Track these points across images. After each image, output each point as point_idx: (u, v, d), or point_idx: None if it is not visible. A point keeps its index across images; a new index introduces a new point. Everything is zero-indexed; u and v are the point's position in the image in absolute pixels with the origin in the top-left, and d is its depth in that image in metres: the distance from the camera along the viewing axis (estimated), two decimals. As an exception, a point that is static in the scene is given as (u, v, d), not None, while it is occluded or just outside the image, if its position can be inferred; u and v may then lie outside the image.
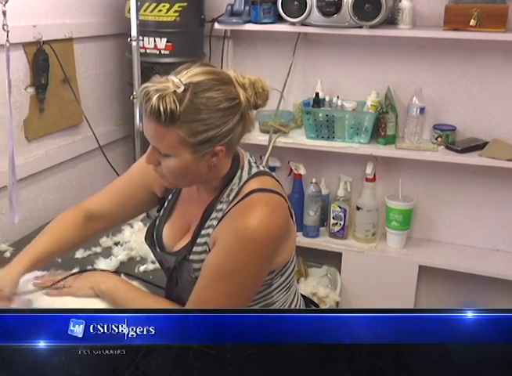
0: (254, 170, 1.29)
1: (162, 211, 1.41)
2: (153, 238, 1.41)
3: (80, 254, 1.81)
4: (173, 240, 1.37)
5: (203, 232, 1.28)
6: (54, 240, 1.46)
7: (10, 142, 1.55)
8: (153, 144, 1.19)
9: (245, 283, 1.23)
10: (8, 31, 1.57)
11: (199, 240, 1.28)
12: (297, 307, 1.45)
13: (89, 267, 1.68)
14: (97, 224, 1.48)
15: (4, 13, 1.55)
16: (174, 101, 1.12)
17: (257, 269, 1.24)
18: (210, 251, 1.25)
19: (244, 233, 1.19)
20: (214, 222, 1.26)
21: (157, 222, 1.41)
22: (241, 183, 1.26)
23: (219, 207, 1.27)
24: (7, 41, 1.57)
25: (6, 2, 1.57)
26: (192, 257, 1.29)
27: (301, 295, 1.57)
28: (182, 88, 1.13)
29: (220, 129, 1.17)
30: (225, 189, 1.27)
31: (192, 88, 1.14)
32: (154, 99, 1.11)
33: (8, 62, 1.56)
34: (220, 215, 1.26)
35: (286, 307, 1.39)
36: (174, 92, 1.12)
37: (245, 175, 1.27)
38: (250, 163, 1.31)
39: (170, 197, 1.41)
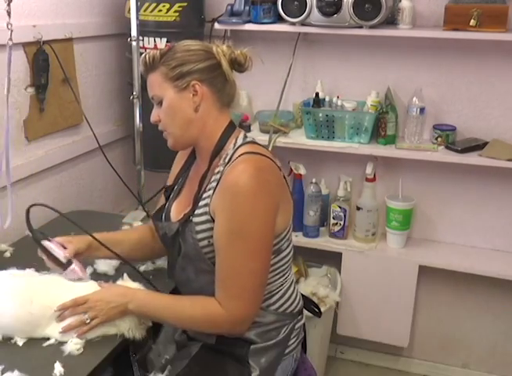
0: (248, 139, 1.43)
1: (172, 195, 1.54)
2: (160, 216, 1.52)
3: (80, 254, 1.81)
4: (178, 214, 1.46)
5: (204, 195, 1.38)
6: (121, 233, 1.68)
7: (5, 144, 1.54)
8: (150, 94, 1.42)
9: (257, 238, 1.31)
10: (11, 31, 1.57)
11: (200, 203, 1.38)
12: (294, 297, 1.50)
13: (89, 268, 1.68)
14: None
15: (8, 13, 1.55)
16: (157, 52, 1.40)
17: (263, 222, 1.31)
18: (210, 213, 1.35)
19: (237, 189, 1.29)
20: (214, 184, 1.37)
21: (167, 204, 1.53)
22: (235, 148, 1.39)
23: (216, 170, 1.39)
24: (10, 39, 1.57)
25: (10, 2, 1.56)
26: (195, 219, 1.38)
27: (302, 295, 1.59)
28: (167, 47, 1.41)
29: (193, 65, 1.37)
30: (219, 154, 1.40)
31: (176, 44, 1.42)
32: (143, 55, 1.42)
33: (9, 61, 1.56)
34: (218, 176, 1.36)
35: (281, 292, 1.45)
36: (160, 50, 1.41)
37: (239, 142, 1.40)
38: (245, 135, 1.44)
39: (179, 180, 1.55)
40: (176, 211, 1.48)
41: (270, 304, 1.43)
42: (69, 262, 1.48)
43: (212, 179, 1.39)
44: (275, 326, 1.44)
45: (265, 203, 1.31)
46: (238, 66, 1.43)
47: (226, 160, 1.38)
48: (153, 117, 1.43)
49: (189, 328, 1.47)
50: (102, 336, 1.40)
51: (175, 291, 1.55)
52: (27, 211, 1.47)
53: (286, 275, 1.46)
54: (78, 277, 1.47)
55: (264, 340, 1.42)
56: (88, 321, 1.36)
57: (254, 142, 1.43)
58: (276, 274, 1.42)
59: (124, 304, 1.37)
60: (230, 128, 1.43)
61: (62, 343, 1.37)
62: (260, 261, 1.32)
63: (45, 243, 1.49)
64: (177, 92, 1.38)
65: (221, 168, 1.37)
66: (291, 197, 1.45)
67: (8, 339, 1.38)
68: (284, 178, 1.42)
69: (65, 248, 1.48)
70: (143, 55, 1.42)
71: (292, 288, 1.49)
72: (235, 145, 1.40)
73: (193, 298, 1.41)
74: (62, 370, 1.28)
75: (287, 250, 1.44)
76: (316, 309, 1.70)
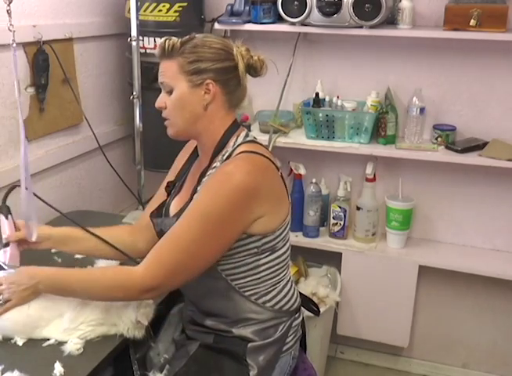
0: (249, 138, 1.43)
1: (173, 191, 1.55)
2: (161, 212, 1.52)
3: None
4: (176, 209, 1.46)
5: (198, 188, 1.40)
6: (99, 230, 1.58)
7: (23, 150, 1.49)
8: (160, 80, 1.41)
9: (216, 226, 1.30)
10: (14, 31, 1.57)
11: (195, 196, 1.38)
12: (291, 295, 1.50)
13: (89, 267, 1.68)
14: (144, 234, 1.58)
15: (9, 13, 1.54)
16: (177, 40, 1.39)
17: (230, 215, 1.30)
18: None
19: (222, 177, 1.31)
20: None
21: (168, 200, 1.54)
22: (235, 146, 1.40)
23: (213, 165, 1.40)
24: (13, 40, 1.57)
25: (10, 2, 1.56)
26: None
27: (301, 295, 1.59)
28: (188, 37, 1.40)
29: (211, 64, 1.37)
30: (220, 152, 1.41)
31: (197, 36, 1.41)
32: (163, 39, 1.39)
33: (15, 62, 1.55)
34: (214, 171, 1.38)
35: (277, 290, 1.45)
36: (181, 38, 1.40)
37: (240, 140, 1.41)
38: (247, 134, 1.44)
39: (182, 176, 1.55)
40: (175, 207, 1.49)
41: (266, 301, 1.43)
42: (6, 245, 1.50)
43: (208, 173, 1.40)
44: (272, 323, 1.44)
45: (243, 201, 1.31)
46: (253, 71, 1.43)
47: (224, 158, 1.39)
48: (159, 103, 1.42)
49: (101, 296, 1.40)
50: (102, 336, 1.41)
51: (176, 292, 1.55)
52: (9, 190, 1.55)
53: (282, 274, 1.46)
54: (2, 262, 1.48)
55: (261, 338, 1.42)
56: (1, 302, 1.37)
57: (254, 142, 1.43)
58: (271, 272, 1.42)
59: (34, 285, 1.37)
60: (234, 127, 1.44)
61: (62, 343, 1.37)
62: (203, 247, 1.31)
63: (2, 217, 1.52)
64: (190, 87, 1.37)
65: (218, 164, 1.39)
66: (288, 197, 1.45)
67: (8, 339, 1.39)
68: (282, 178, 1.42)
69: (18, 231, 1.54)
70: (163, 39, 1.40)
71: (289, 286, 1.49)
72: (235, 143, 1.41)
73: (106, 267, 1.48)
74: (62, 370, 1.29)
75: (283, 249, 1.44)
76: (315, 308, 1.70)
